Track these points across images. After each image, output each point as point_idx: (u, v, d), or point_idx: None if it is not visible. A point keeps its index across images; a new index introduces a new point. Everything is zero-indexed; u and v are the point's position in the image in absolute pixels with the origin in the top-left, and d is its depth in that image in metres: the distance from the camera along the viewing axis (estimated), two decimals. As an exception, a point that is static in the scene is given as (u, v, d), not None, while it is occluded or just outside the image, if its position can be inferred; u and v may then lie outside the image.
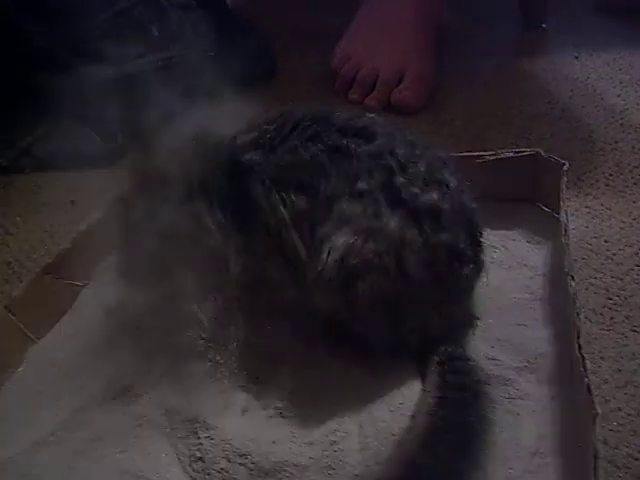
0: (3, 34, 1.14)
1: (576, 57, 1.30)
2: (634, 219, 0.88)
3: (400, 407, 0.66)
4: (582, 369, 0.61)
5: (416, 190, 0.68)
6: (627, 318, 0.75)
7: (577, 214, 0.90)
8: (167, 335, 0.77)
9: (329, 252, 0.66)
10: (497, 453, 0.61)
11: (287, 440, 0.65)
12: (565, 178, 0.83)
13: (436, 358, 0.69)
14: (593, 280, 0.80)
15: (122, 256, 0.79)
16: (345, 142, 0.69)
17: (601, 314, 0.76)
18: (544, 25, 1.43)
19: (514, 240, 0.87)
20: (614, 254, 0.83)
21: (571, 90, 1.19)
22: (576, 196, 0.93)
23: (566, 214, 0.78)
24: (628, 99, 1.15)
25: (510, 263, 0.83)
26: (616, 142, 1.03)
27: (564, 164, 0.84)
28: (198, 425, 0.67)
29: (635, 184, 0.95)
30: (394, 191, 0.67)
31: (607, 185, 0.95)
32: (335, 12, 1.42)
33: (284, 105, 0.76)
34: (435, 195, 0.68)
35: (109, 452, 0.67)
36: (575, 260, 0.80)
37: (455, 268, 0.69)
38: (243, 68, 1.27)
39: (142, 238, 0.71)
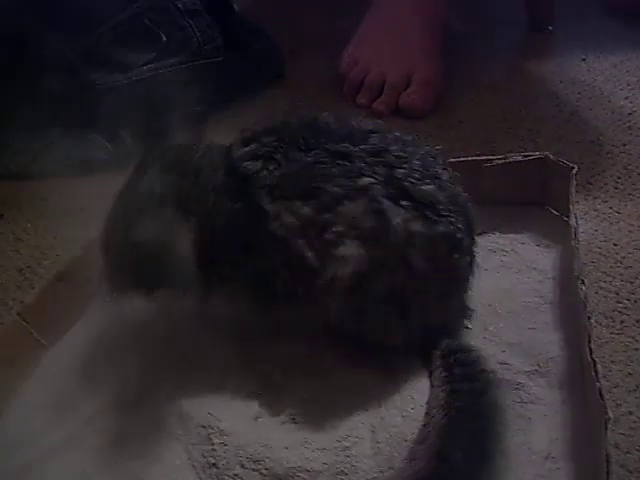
0: (13, 41, 1.15)
1: (583, 59, 1.30)
2: (643, 222, 0.88)
3: (412, 412, 0.66)
4: (593, 373, 0.61)
5: (415, 182, 0.68)
6: (637, 322, 0.75)
7: (586, 217, 0.90)
8: (180, 343, 0.78)
9: (339, 260, 0.67)
10: (509, 457, 0.61)
11: (300, 446, 0.65)
12: (574, 182, 0.83)
13: (439, 352, 0.70)
14: (602, 284, 0.80)
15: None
16: (345, 145, 0.69)
17: (611, 318, 0.76)
18: (551, 28, 1.43)
19: (523, 244, 0.87)
20: (623, 257, 0.83)
21: (579, 93, 1.20)
22: (584, 199, 0.93)
23: (575, 218, 0.78)
24: (636, 101, 1.15)
25: (519, 267, 0.84)
26: (624, 145, 1.03)
27: (573, 168, 0.84)
28: (212, 431, 0.67)
29: (643, 187, 0.95)
30: (396, 184, 0.68)
31: (616, 188, 0.95)
32: (343, 16, 1.42)
33: (292, 109, 0.76)
34: (433, 186, 0.69)
35: (123, 458, 0.67)
36: (584, 264, 0.80)
37: (455, 258, 0.70)
38: (251, 73, 1.28)
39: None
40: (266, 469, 0.63)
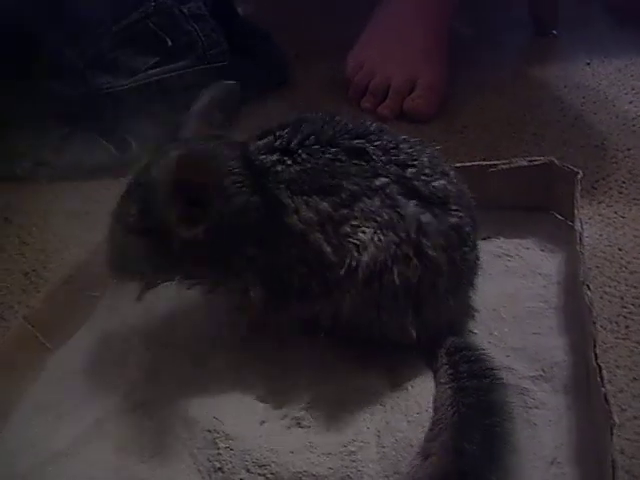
0: (19, 45, 1.15)
1: (588, 64, 1.30)
2: (648, 227, 0.88)
3: (417, 417, 0.67)
4: (599, 379, 0.61)
5: (426, 178, 0.70)
6: (642, 326, 0.75)
7: (590, 222, 0.90)
8: (185, 346, 0.78)
9: (356, 250, 0.67)
10: (518, 453, 0.62)
11: (306, 450, 0.65)
12: (579, 187, 0.83)
13: (444, 350, 0.70)
14: (607, 289, 0.80)
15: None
16: (361, 143, 0.70)
17: (616, 322, 0.76)
18: (555, 32, 1.43)
19: (528, 248, 0.87)
20: (628, 262, 0.83)
21: (583, 97, 1.20)
22: (589, 204, 0.93)
23: (580, 222, 0.78)
24: (640, 106, 1.15)
25: (524, 271, 0.84)
26: (629, 149, 1.03)
27: (578, 173, 0.84)
28: (217, 435, 0.67)
29: (648, 191, 0.95)
30: (407, 182, 0.69)
31: (620, 193, 0.95)
32: (347, 20, 1.42)
33: (297, 113, 0.76)
34: (443, 181, 0.71)
35: (129, 463, 0.68)
36: (589, 268, 0.80)
37: (465, 251, 0.71)
38: (256, 77, 1.28)
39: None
40: (272, 473, 0.63)
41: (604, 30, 1.41)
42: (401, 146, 0.71)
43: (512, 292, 0.80)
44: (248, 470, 0.64)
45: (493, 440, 0.61)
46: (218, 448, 0.66)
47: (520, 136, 1.11)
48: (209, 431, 0.68)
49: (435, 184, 0.70)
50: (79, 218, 1.07)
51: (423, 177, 0.70)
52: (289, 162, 0.69)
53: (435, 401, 0.68)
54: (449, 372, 0.68)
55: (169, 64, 1.21)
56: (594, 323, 0.66)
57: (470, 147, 1.10)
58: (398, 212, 0.68)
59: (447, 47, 1.28)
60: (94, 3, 1.18)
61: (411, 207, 0.68)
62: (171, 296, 0.75)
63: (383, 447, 0.65)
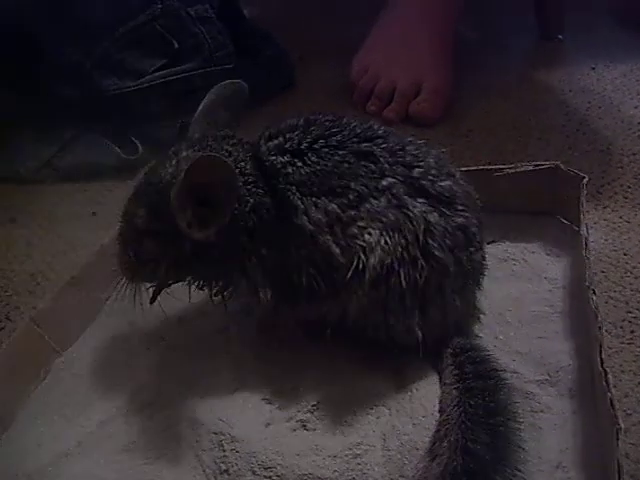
0: (25, 46, 1.16)
1: (593, 68, 1.30)
2: (653, 232, 0.88)
3: (422, 420, 0.67)
4: (604, 383, 0.61)
5: (433, 178, 0.70)
6: (647, 331, 0.75)
7: (596, 227, 0.90)
8: (192, 348, 0.78)
9: (363, 252, 0.67)
10: (525, 454, 0.62)
11: (311, 453, 0.65)
12: (585, 191, 0.83)
13: (450, 351, 0.71)
14: (612, 293, 0.80)
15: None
16: (369, 146, 0.71)
17: (621, 327, 0.76)
18: (561, 36, 1.44)
19: (533, 252, 0.87)
20: (633, 267, 0.83)
21: (588, 102, 1.20)
22: (594, 209, 0.93)
23: (586, 227, 0.79)
24: (645, 110, 1.15)
25: (530, 275, 0.84)
26: (634, 154, 1.04)
27: (583, 177, 0.84)
28: (223, 437, 0.67)
29: (653, 196, 0.95)
30: (414, 181, 0.70)
31: (625, 198, 0.95)
32: (353, 24, 1.43)
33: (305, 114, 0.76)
34: (449, 182, 0.72)
35: (135, 464, 0.68)
36: (594, 273, 0.80)
37: (471, 252, 0.72)
38: (261, 80, 1.28)
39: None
40: (277, 476, 0.64)
41: (609, 35, 1.41)
42: (407, 148, 0.72)
43: (517, 296, 0.80)
44: (254, 472, 0.64)
45: (500, 440, 0.61)
46: (224, 450, 0.66)
47: (525, 140, 1.11)
48: (215, 433, 0.68)
49: (441, 184, 0.71)
50: (85, 219, 1.07)
51: (430, 177, 0.70)
52: (299, 164, 0.69)
53: (441, 402, 0.68)
54: (455, 373, 0.68)
55: (175, 66, 1.21)
56: (600, 327, 0.66)
57: (475, 151, 1.10)
58: (405, 212, 0.68)
59: (452, 51, 1.28)
60: (101, 5, 1.18)
61: (418, 206, 0.69)
62: (178, 297, 0.75)
63: (388, 450, 0.65)
